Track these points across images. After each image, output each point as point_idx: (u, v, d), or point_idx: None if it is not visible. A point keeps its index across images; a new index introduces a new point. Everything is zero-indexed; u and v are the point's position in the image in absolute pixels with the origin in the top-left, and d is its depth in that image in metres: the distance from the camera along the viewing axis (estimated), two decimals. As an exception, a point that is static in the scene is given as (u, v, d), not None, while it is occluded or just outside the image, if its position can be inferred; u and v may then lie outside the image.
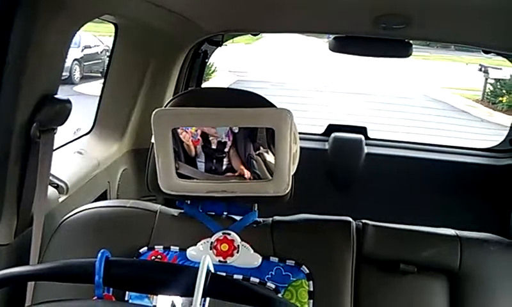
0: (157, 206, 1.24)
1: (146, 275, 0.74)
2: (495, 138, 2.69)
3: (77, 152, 1.74)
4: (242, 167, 1.12)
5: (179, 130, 1.10)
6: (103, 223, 1.21)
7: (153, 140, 1.11)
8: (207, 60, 2.39)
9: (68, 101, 1.22)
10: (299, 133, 1.16)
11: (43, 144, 1.18)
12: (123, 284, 0.77)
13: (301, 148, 1.16)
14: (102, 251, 0.73)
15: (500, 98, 10.83)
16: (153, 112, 1.08)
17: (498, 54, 2.27)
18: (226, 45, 2.40)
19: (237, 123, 1.10)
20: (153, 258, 1.16)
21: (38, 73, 1.12)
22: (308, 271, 1.16)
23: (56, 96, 1.19)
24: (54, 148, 1.28)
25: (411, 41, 2.00)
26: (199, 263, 0.72)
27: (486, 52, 2.19)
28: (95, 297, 0.73)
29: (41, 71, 1.14)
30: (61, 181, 1.51)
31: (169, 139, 1.09)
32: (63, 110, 1.21)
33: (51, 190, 1.45)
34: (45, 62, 1.14)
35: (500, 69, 10.46)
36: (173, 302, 1.04)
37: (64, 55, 1.22)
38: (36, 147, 1.18)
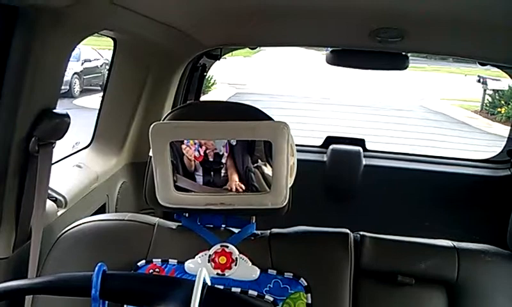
0: (155, 219, 1.24)
1: (142, 289, 0.74)
2: (494, 149, 2.70)
3: (76, 166, 1.75)
4: (237, 182, 1.12)
5: (183, 146, 1.11)
6: (101, 236, 1.21)
7: (151, 153, 1.12)
8: (205, 73, 2.41)
9: (67, 115, 1.22)
10: (298, 145, 1.16)
11: (42, 158, 1.18)
12: (120, 297, 0.77)
13: (300, 160, 1.16)
14: (99, 264, 0.74)
15: (499, 109, 10.85)
16: (151, 126, 1.09)
17: (494, 66, 2.29)
18: (225, 58, 2.42)
19: (235, 136, 1.10)
20: (151, 271, 1.16)
21: (36, 87, 1.13)
22: (306, 283, 1.15)
23: (54, 110, 1.20)
24: (53, 161, 1.29)
25: (408, 54, 2.02)
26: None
27: (482, 64, 2.21)
28: None
29: (40, 86, 1.15)
30: (59, 194, 1.51)
31: (167, 152, 1.10)
32: (61, 125, 1.22)
33: (50, 204, 1.45)
34: (44, 76, 1.15)
35: (499, 80, 10.50)
36: None
37: (63, 69, 1.23)
38: (34, 161, 1.18)
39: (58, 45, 1.16)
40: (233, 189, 1.12)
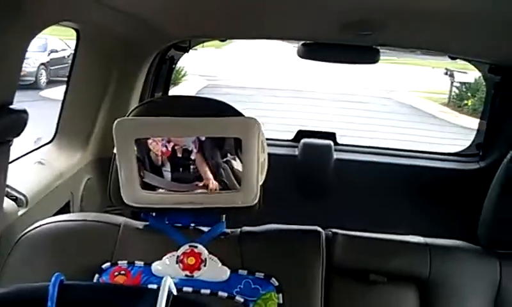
0: (121, 219, 1.20)
1: (103, 300, 0.70)
2: (462, 142, 2.73)
3: (37, 162, 1.68)
4: (209, 176, 1.09)
5: (149, 141, 1.06)
6: (63, 238, 1.16)
7: (115, 150, 1.07)
8: (174, 66, 2.35)
9: (25, 111, 1.16)
10: (269, 139, 1.14)
11: None
12: None
13: (271, 155, 1.14)
14: (55, 274, 0.69)
15: (466, 101, 11.08)
16: (115, 122, 1.04)
17: (463, 59, 2.31)
18: (196, 50, 2.37)
19: (203, 133, 1.07)
20: (116, 273, 1.11)
21: None
22: (277, 283, 1.13)
23: (11, 106, 1.14)
24: (14, 158, 1.23)
25: (378, 48, 2.01)
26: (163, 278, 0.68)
27: (452, 58, 2.22)
28: None
29: None
30: (20, 193, 1.45)
31: (132, 149, 1.05)
32: (18, 121, 1.15)
33: (10, 204, 1.39)
34: None
35: (466, 73, 10.70)
36: None
37: (20, 63, 1.16)
38: None
39: (14, 38, 1.09)
40: (210, 187, 1.09)
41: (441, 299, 1.19)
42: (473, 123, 2.72)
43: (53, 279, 0.69)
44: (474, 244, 1.27)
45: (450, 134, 8.24)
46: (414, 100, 12.01)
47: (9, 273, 1.12)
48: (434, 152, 2.65)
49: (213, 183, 1.09)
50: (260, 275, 1.13)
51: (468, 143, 2.60)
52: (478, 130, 2.55)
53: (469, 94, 11.19)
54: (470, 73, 10.29)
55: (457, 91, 11.68)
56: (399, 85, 13.17)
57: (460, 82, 11.47)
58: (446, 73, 11.80)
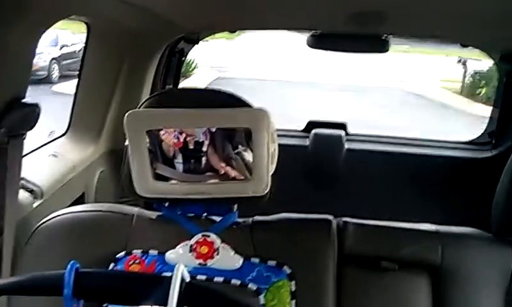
0: (134, 210, 1.21)
1: (117, 286, 0.72)
2: (476, 130, 2.70)
3: (51, 155, 1.70)
4: (223, 164, 1.10)
5: (161, 132, 1.07)
6: (78, 228, 1.18)
7: (127, 142, 1.09)
8: (183, 58, 2.36)
9: (37, 105, 1.18)
10: (280, 130, 1.14)
11: (12, 150, 1.14)
12: (94, 296, 0.74)
13: (282, 145, 1.14)
14: (71, 262, 0.71)
15: (480, 90, 10.95)
16: (126, 114, 1.05)
17: (475, 47, 2.29)
18: (207, 41, 2.37)
19: (214, 124, 1.07)
20: (131, 262, 1.13)
21: (3, 77, 1.09)
22: (289, 271, 1.14)
23: (24, 100, 1.16)
24: (28, 151, 1.25)
25: (389, 36, 2.00)
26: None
27: (464, 46, 2.20)
28: None
29: (7, 76, 1.10)
30: (35, 185, 1.47)
31: (143, 141, 1.06)
32: (31, 115, 1.17)
33: (25, 196, 1.41)
34: (10, 66, 1.10)
35: (479, 61, 10.57)
36: None
37: (32, 57, 1.18)
38: (3, 153, 1.14)
39: (25, 32, 1.10)
40: (221, 172, 1.09)
41: (453, 286, 1.18)
42: (488, 111, 2.68)
43: (69, 266, 0.70)
44: (487, 232, 1.27)
45: (464, 123, 8.17)
46: (427, 89, 11.90)
47: (26, 262, 1.14)
48: (446, 141, 2.63)
49: (229, 170, 1.09)
50: (272, 263, 1.14)
51: (481, 132, 2.58)
52: (490, 118, 2.52)
53: (483, 82, 11.05)
54: (484, 61, 10.15)
55: (471, 80, 11.54)
56: (411, 74, 13.05)
57: (474, 71, 11.33)
58: (459, 61, 11.66)
